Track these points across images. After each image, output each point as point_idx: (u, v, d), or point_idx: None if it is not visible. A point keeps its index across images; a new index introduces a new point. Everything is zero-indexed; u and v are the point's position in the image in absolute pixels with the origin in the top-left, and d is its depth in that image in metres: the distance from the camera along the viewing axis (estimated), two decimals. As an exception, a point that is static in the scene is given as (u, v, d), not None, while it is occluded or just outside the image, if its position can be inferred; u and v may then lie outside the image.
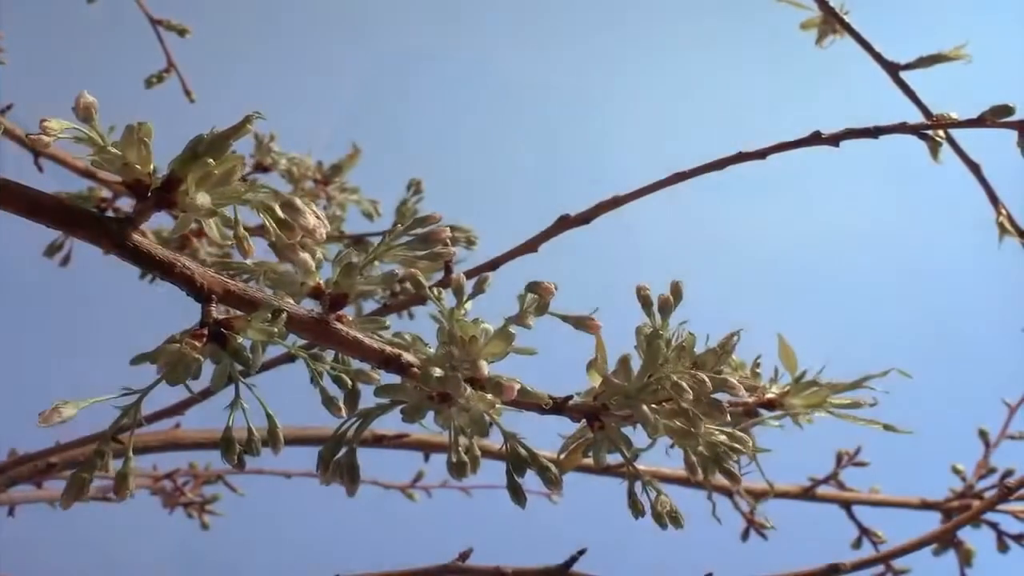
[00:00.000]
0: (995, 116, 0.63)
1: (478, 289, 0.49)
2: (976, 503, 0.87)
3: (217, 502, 1.00)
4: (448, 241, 0.50)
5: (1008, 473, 0.89)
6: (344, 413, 0.44)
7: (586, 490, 0.86)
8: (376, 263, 0.74)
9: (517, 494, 0.47)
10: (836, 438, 0.97)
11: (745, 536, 0.88)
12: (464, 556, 0.61)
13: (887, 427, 0.63)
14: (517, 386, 0.45)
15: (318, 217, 0.45)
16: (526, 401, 0.48)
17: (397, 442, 0.79)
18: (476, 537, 0.65)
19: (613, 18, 1.52)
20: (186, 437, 0.75)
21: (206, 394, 0.60)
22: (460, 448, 0.48)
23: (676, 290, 0.51)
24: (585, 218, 0.59)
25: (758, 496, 0.87)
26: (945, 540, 0.59)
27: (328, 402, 0.44)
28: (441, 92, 1.49)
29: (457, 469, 0.47)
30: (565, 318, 0.48)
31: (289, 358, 0.65)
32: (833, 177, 1.43)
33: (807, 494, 0.90)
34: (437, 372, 0.44)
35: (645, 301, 0.51)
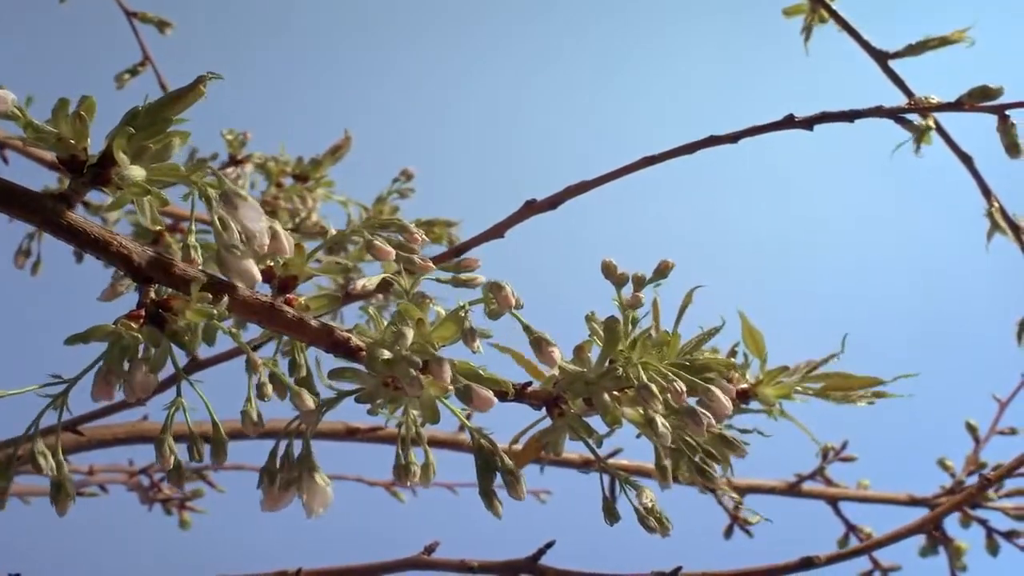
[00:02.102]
0: (974, 100, 0.61)
1: (463, 269, 0.47)
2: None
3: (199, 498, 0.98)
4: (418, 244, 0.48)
5: (997, 468, 0.88)
6: (255, 432, 0.42)
7: (571, 482, 0.85)
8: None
9: (489, 498, 0.45)
10: (825, 432, 0.95)
11: (729, 533, 0.87)
12: (430, 549, 0.60)
13: (878, 394, 0.60)
14: (493, 396, 0.44)
15: (273, 229, 0.43)
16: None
17: (371, 435, 0.78)
18: (461, 531, 0.64)
19: (597, 7, 1.51)
20: (154, 429, 0.73)
21: (168, 384, 0.59)
22: (409, 448, 0.46)
23: (663, 269, 0.49)
24: (552, 203, 0.58)
25: (742, 492, 0.86)
26: (927, 532, 0.58)
27: (245, 415, 0.42)
28: (424, 84, 1.48)
29: (403, 473, 0.45)
30: (527, 329, 0.46)
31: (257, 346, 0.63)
32: (824, 169, 1.42)
33: (792, 490, 0.89)
34: (385, 354, 0.43)
35: (620, 280, 0.48)
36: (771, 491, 0.88)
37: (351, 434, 0.78)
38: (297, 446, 0.45)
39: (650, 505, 0.46)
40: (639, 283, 0.49)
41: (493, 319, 0.46)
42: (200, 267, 0.42)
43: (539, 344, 0.46)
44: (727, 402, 0.45)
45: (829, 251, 1.48)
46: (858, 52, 0.83)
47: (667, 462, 0.48)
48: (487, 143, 1.48)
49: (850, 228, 1.47)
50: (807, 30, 0.88)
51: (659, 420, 0.44)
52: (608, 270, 0.48)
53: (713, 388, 0.45)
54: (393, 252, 0.46)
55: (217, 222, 0.40)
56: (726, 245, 1.44)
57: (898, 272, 1.45)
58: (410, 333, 0.42)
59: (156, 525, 0.94)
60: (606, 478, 0.49)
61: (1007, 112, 0.62)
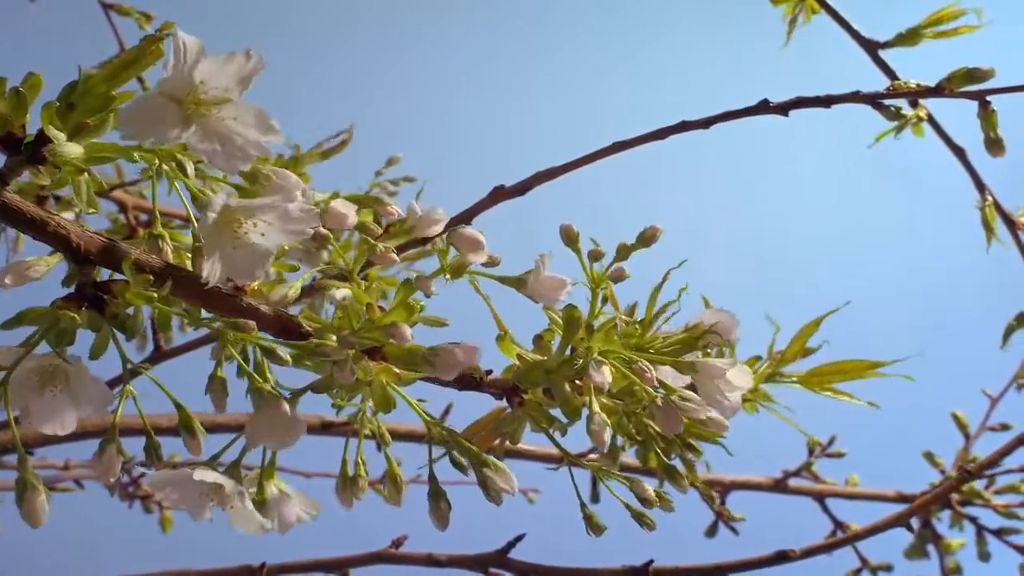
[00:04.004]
0: (954, 84, 0.59)
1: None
2: (954, 495, 0.85)
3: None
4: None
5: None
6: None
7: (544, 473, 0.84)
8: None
9: (436, 499, 0.43)
10: (816, 429, 0.94)
11: (713, 531, 0.85)
12: (398, 543, 0.59)
13: (873, 367, 0.58)
14: (470, 345, 0.40)
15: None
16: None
17: (346, 429, 0.76)
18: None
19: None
20: (125, 422, 0.72)
21: (134, 373, 0.57)
22: (359, 455, 0.45)
23: (648, 237, 0.47)
24: (520, 189, 0.56)
25: (727, 488, 0.84)
26: (905, 525, 0.56)
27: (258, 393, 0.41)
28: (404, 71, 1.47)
29: (348, 487, 0.44)
30: (504, 280, 0.45)
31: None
32: (817, 163, 1.40)
33: (779, 486, 0.87)
34: (333, 341, 0.41)
35: (593, 256, 0.46)
36: (757, 487, 0.87)
37: (326, 428, 0.77)
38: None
39: (650, 496, 0.44)
40: (623, 251, 0.46)
41: (456, 275, 0.44)
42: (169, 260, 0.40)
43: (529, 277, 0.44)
44: (722, 363, 0.44)
45: (820, 245, 1.47)
46: (860, 53, 0.82)
47: (618, 444, 0.45)
48: (455, 129, 1.46)
49: (841, 222, 1.45)
50: (792, 21, 0.87)
51: (597, 415, 0.41)
52: (568, 237, 0.45)
53: (704, 360, 0.44)
54: (350, 216, 0.45)
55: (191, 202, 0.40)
56: (712, 238, 1.42)
57: (890, 267, 1.44)
58: (341, 292, 0.40)
59: (121, 515, 0.93)
60: (585, 478, 0.47)
61: (988, 98, 0.60)
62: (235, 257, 0.39)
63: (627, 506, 0.44)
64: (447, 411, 0.77)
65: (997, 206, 0.81)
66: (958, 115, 0.69)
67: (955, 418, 0.89)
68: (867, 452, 0.97)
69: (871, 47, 0.81)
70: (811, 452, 0.89)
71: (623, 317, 0.48)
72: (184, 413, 0.42)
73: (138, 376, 0.49)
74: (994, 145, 0.63)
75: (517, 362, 0.46)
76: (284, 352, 0.41)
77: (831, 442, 0.89)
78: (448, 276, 0.43)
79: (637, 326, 0.47)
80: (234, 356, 0.42)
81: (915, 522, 0.88)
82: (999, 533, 0.87)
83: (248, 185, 0.40)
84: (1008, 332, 0.78)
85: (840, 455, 0.89)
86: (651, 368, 0.43)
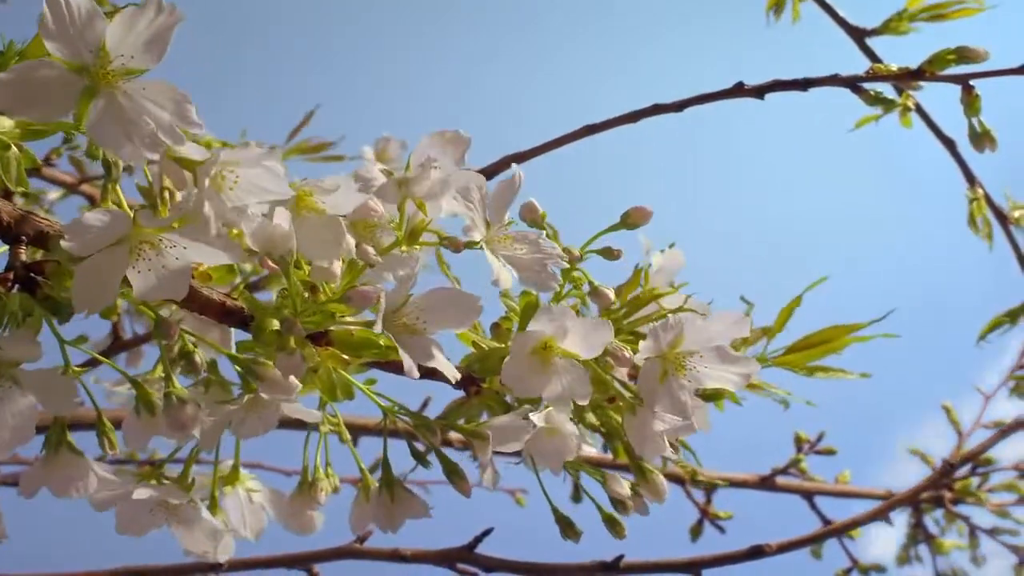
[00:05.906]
0: (936, 67, 0.57)
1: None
2: (947, 493, 0.83)
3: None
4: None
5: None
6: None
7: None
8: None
9: (390, 488, 0.43)
10: (810, 428, 0.92)
11: (698, 530, 0.83)
12: (362, 538, 0.57)
13: (840, 337, 0.57)
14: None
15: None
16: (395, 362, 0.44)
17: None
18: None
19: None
20: (90, 415, 0.70)
21: (94, 363, 0.56)
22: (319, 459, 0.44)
23: (633, 220, 0.46)
24: (488, 173, 0.55)
25: (713, 485, 0.82)
26: (884, 519, 0.54)
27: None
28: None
29: (307, 491, 0.44)
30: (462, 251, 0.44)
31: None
32: (811, 159, 1.39)
33: (766, 484, 0.85)
34: (275, 325, 0.40)
35: (573, 257, 0.44)
36: (743, 485, 0.85)
37: (302, 423, 0.75)
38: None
39: (626, 496, 0.43)
40: (611, 255, 0.45)
41: (412, 242, 0.42)
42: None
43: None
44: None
45: (813, 238, 1.45)
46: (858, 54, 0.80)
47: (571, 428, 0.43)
48: (424, 112, 1.45)
49: (835, 215, 1.44)
50: (778, 7, 0.85)
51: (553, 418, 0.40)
52: (530, 212, 0.44)
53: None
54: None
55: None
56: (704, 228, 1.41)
57: (884, 263, 1.43)
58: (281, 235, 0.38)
59: (77, 509, 0.91)
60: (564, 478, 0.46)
61: (972, 83, 0.58)
62: (148, 277, 0.35)
63: (600, 509, 0.44)
64: (425, 405, 0.75)
65: (988, 200, 0.79)
66: (954, 108, 0.67)
67: (946, 411, 0.87)
68: (862, 451, 0.95)
69: (858, 34, 0.80)
70: (799, 448, 0.86)
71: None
72: (142, 390, 0.40)
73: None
74: (981, 138, 0.60)
75: (473, 349, 0.44)
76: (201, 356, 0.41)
77: (820, 438, 0.87)
78: (404, 247, 0.42)
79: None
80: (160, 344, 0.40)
81: (907, 521, 0.86)
82: (992, 532, 0.85)
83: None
84: (990, 327, 0.76)
85: (831, 452, 0.87)
86: (625, 347, 0.41)
